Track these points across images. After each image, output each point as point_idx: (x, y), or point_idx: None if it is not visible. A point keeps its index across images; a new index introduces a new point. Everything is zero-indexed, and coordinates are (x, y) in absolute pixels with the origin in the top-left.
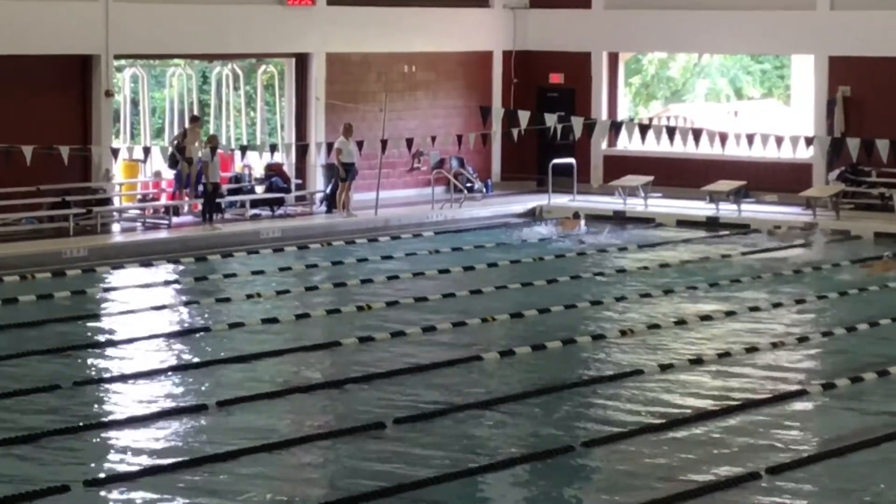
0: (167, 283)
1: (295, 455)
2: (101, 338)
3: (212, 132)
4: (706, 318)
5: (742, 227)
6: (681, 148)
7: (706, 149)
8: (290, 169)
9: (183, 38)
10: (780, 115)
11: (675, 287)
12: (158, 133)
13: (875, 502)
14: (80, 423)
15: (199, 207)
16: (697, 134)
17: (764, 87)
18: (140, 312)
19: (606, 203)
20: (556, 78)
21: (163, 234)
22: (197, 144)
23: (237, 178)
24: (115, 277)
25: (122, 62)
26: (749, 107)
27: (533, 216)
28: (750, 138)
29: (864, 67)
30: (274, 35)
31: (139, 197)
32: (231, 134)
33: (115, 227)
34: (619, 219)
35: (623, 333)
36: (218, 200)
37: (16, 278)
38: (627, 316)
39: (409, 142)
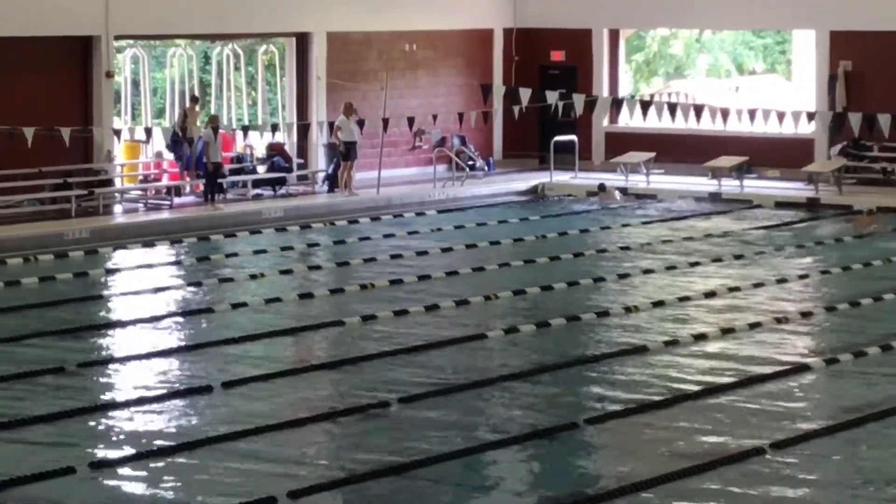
0: (169, 263)
1: (300, 434)
2: (105, 319)
3: (213, 112)
4: (710, 293)
5: (745, 203)
6: (682, 124)
7: (708, 124)
8: (291, 148)
9: (183, 18)
10: (782, 90)
11: (678, 263)
12: (160, 114)
13: (880, 477)
14: (85, 405)
15: (201, 188)
16: (699, 110)
17: (766, 62)
18: (143, 293)
19: (609, 180)
20: (558, 55)
21: (165, 215)
22: (198, 124)
23: (239, 158)
24: (118, 258)
25: (123, 43)
26: (750, 82)
27: (535, 194)
28: (752, 114)
29: (866, 42)
30: (275, 14)
31: (141, 178)
32: (232, 114)
33: (117, 208)
34: (622, 195)
35: (627, 310)
36: (220, 181)
37: (18, 260)
38: (631, 293)
39: (411, 120)
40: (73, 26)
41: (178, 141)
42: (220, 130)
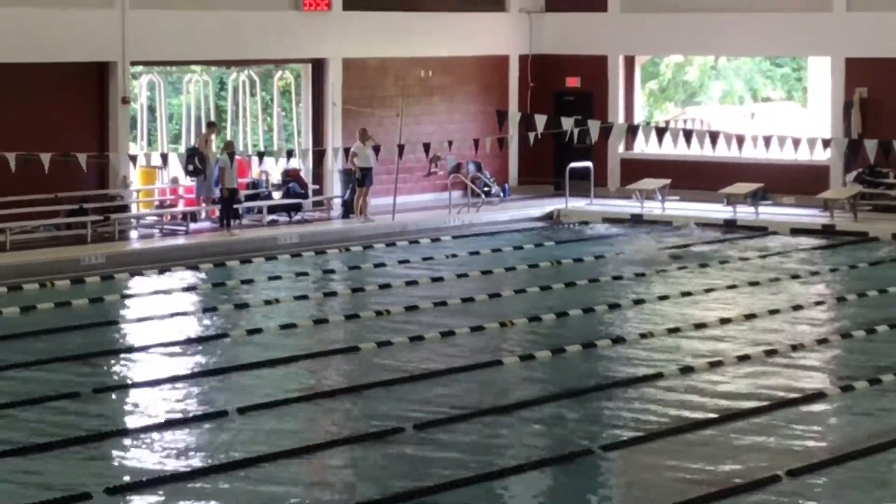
0: (185, 289)
1: (315, 460)
2: (120, 345)
3: (229, 138)
4: (725, 320)
5: (759, 230)
6: (698, 150)
7: (723, 151)
8: (307, 174)
9: (199, 44)
10: (797, 116)
11: (693, 290)
12: (175, 139)
13: None
14: (101, 431)
15: (217, 214)
16: (714, 136)
17: (784, 89)
18: (158, 319)
19: (624, 206)
20: (573, 81)
21: (180, 241)
22: (215, 149)
23: (254, 184)
24: (134, 284)
25: (139, 69)
26: (766, 109)
27: (551, 220)
28: (767, 140)
29: (881, 69)
30: (290, 41)
31: (156, 203)
32: (248, 140)
33: (133, 234)
34: (637, 222)
35: (643, 336)
36: (235, 206)
37: (35, 286)
38: (647, 319)
39: (426, 146)
40: (90, 52)
41: (195, 169)
42: (237, 156)
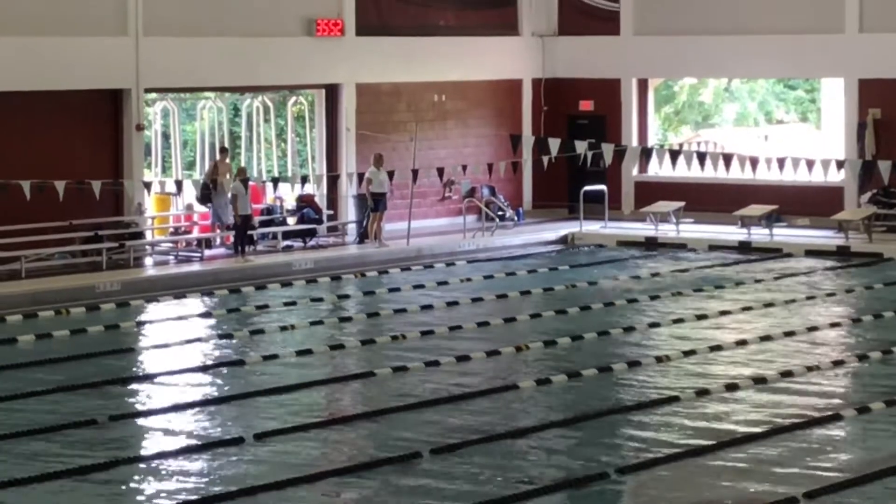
0: (200, 315)
1: (331, 486)
2: (136, 372)
3: (243, 164)
4: (741, 342)
5: (774, 252)
6: (712, 173)
7: (737, 173)
8: (321, 200)
9: (213, 70)
10: (811, 138)
11: (708, 312)
12: (190, 166)
13: None
14: (118, 458)
15: (232, 240)
16: (728, 159)
17: (798, 111)
18: (174, 345)
19: (638, 229)
20: (586, 105)
21: (195, 267)
22: (229, 176)
23: (269, 210)
24: (149, 311)
25: (153, 96)
26: (779, 131)
27: (565, 244)
28: (781, 162)
29: (894, 90)
30: (304, 66)
31: (171, 230)
32: (262, 166)
33: (148, 261)
34: (651, 245)
35: (659, 360)
36: (250, 232)
37: (50, 313)
38: (662, 342)
39: (440, 171)
40: (104, 80)
41: (208, 194)
42: (251, 182)
